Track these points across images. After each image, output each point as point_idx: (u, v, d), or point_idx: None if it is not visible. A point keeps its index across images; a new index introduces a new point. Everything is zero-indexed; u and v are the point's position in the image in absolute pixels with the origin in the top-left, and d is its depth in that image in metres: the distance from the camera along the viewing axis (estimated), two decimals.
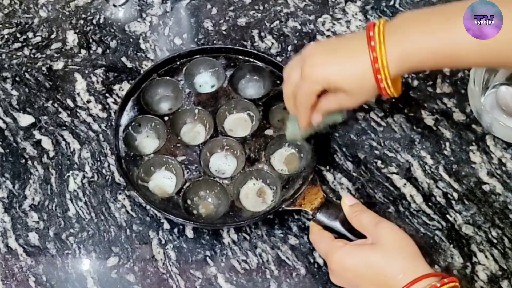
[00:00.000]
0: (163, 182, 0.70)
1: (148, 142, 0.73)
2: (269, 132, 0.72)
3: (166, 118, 0.72)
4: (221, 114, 0.73)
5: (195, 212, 0.68)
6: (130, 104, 0.73)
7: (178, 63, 0.77)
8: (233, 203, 0.67)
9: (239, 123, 0.74)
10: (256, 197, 0.69)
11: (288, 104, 0.64)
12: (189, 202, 0.68)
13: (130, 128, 0.72)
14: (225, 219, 0.66)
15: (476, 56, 0.54)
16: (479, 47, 0.53)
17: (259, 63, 0.77)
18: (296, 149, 0.72)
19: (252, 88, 0.78)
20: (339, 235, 0.63)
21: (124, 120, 0.72)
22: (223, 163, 0.71)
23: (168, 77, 0.76)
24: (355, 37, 0.58)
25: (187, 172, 0.69)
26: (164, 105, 0.76)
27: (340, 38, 0.61)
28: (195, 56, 0.77)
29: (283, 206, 0.65)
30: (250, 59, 0.77)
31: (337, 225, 0.63)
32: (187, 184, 0.68)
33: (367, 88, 0.57)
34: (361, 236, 0.61)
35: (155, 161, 0.70)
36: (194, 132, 0.74)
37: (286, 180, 0.68)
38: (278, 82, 0.74)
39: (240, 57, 0.78)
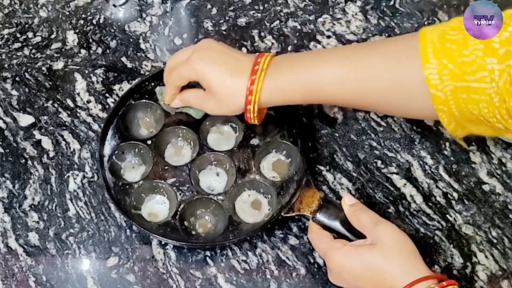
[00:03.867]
0: (156, 208, 0.68)
1: (134, 168, 0.71)
2: (254, 141, 0.71)
3: (149, 142, 0.70)
4: (203, 129, 0.71)
5: (193, 232, 0.66)
6: (110, 133, 0.71)
7: (152, 84, 0.75)
8: (231, 218, 0.66)
9: (222, 137, 0.73)
10: (252, 209, 0.68)
11: (165, 76, 0.68)
12: (186, 223, 0.66)
13: (114, 157, 0.69)
14: (226, 235, 0.65)
15: (339, 96, 0.60)
16: (341, 87, 0.59)
17: None
18: (283, 154, 0.71)
19: None
20: (339, 235, 0.63)
21: (107, 149, 0.70)
22: (214, 180, 0.70)
23: (144, 100, 0.73)
24: (248, 58, 0.63)
25: (180, 194, 0.67)
26: (145, 129, 0.74)
27: (236, 51, 0.65)
28: None
29: (282, 213, 0.65)
30: None
31: (337, 225, 0.63)
32: (181, 206, 0.66)
33: (234, 104, 0.62)
34: (361, 236, 0.61)
35: (145, 187, 0.68)
36: (179, 152, 0.72)
37: (280, 186, 0.67)
38: None
39: None
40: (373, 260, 0.56)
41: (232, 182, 0.68)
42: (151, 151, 0.70)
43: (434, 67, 0.52)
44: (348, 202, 0.63)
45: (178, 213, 0.66)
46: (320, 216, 0.64)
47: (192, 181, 0.68)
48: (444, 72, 0.52)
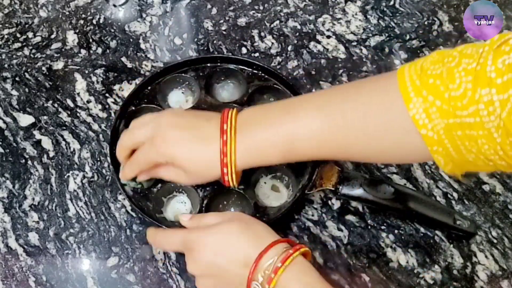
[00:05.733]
0: (178, 207, 0.69)
1: None
2: None
3: None
4: None
5: None
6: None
7: (149, 88, 0.74)
8: (256, 205, 0.66)
9: None
10: (274, 192, 0.69)
11: (120, 152, 0.64)
12: None
13: None
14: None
15: (314, 149, 0.56)
16: (316, 141, 0.55)
17: (229, 65, 0.75)
18: None
19: (227, 91, 0.77)
20: (365, 202, 0.65)
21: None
22: None
23: (144, 105, 0.73)
24: (211, 122, 0.59)
25: (201, 190, 0.68)
26: None
27: (197, 117, 0.61)
28: (163, 78, 0.75)
29: (306, 191, 0.66)
30: (217, 64, 0.76)
31: (362, 193, 0.64)
32: (205, 202, 0.67)
33: (209, 175, 0.60)
34: (387, 198, 0.62)
35: (164, 189, 0.68)
36: None
37: (297, 166, 0.68)
38: (253, 76, 0.74)
39: (208, 64, 0.76)
40: (233, 231, 0.56)
41: (250, 170, 0.68)
42: None
43: (419, 105, 0.48)
44: (186, 219, 0.61)
45: (203, 209, 0.66)
46: (344, 190, 0.65)
47: None
48: (432, 110, 0.47)
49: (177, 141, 0.58)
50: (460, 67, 0.46)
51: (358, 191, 0.64)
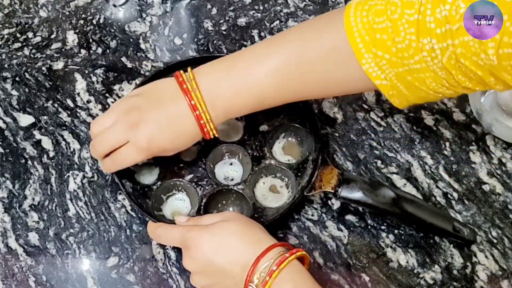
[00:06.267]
0: (177, 205, 0.68)
1: (148, 171, 0.71)
2: (263, 127, 0.72)
3: None
4: None
5: None
6: None
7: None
8: (254, 205, 0.67)
9: (230, 127, 0.73)
10: (272, 193, 0.69)
11: (95, 148, 0.64)
12: None
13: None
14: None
15: (277, 94, 0.60)
16: (279, 87, 0.59)
17: None
18: (293, 136, 0.72)
19: None
20: (364, 206, 0.65)
21: None
22: (231, 170, 0.71)
23: None
24: (170, 87, 0.61)
25: (200, 189, 0.68)
26: None
27: (156, 89, 0.63)
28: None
29: (305, 193, 0.66)
30: None
31: (361, 196, 0.64)
32: (204, 201, 0.67)
33: (194, 139, 0.63)
34: (386, 203, 0.63)
35: (164, 187, 0.68)
36: (190, 149, 0.71)
37: (297, 168, 0.68)
38: None
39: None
40: (231, 230, 0.56)
41: (249, 170, 0.69)
42: None
43: (371, 60, 0.54)
44: (182, 220, 0.62)
45: (202, 208, 0.66)
46: (343, 193, 0.65)
47: (209, 175, 0.69)
48: (383, 63, 0.53)
49: (156, 136, 0.61)
50: (403, 19, 0.50)
51: (357, 194, 0.64)
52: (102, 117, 0.65)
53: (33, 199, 0.71)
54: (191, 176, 0.69)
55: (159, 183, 0.68)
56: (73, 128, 0.76)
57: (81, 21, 0.86)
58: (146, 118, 0.61)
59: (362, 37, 0.53)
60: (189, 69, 0.61)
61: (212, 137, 0.63)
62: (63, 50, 0.83)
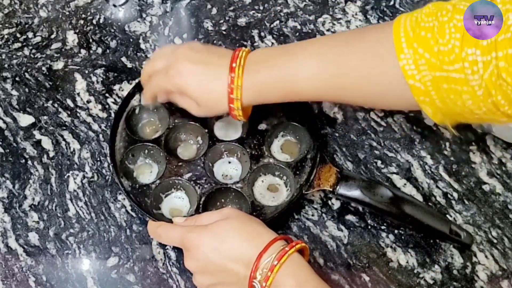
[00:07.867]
0: (175, 203, 0.69)
1: (148, 169, 0.71)
2: (262, 126, 0.72)
3: (158, 141, 0.71)
4: (210, 122, 0.72)
5: None
6: (118, 138, 0.71)
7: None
8: (253, 204, 0.67)
9: (230, 125, 0.73)
10: (271, 192, 0.69)
11: (143, 78, 0.69)
12: None
13: (126, 162, 0.70)
14: None
15: (312, 91, 0.60)
16: (314, 84, 0.59)
17: None
18: (291, 135, 0.72)
19: None
20: (362, 204, 0.65)
21: (118, 155, 0.70)
22: (231, 168, 0.71)
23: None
24: (223, 59, 0.62)
25: (199, 187, 0.68)
26: (150, 130, 0.74)
27: (211, 53, 0.64)
28: None
29: (303, 191, 0.66)
30: None
31: (359, 194, 0.64)
32: (202, 199, 0.67)
33: (219, 108, 0.63)
34: (384, 202, 0.63)
35: (163, 186, 0.68)
36: (190, 147, 0.73)
37: (295, 166, 0.68)
38: None
39: None
40: (230, 228, 0.56)
41: (248, 168, 0.69)
42: (161, 150, 0.70)
43: (410, 57, 0.51)
44: (180, 221, 0.62)
45: (200, 206, 0.66)
46: (341, 191, 0.65)
47: (208, 173, 0.69)
48: (421, 62, 0.50)
49: (188, 74, 0.62)
50: (451, 23, 0.48)
51: (355, 192, 0.64)
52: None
53: (33, 199, 0.71)
54: (190, 174, 0.69)
55: (158, 181, 0.68)
56: (73, 128, 0.76)
57: (81, 21, 0.86)
58: (183, 60, 0.63)
59: (406, 32, 0.52)
60: (244, 53, 0.62)
61: (238, 119, 0.64)
62: (63, 50, 0.83)
